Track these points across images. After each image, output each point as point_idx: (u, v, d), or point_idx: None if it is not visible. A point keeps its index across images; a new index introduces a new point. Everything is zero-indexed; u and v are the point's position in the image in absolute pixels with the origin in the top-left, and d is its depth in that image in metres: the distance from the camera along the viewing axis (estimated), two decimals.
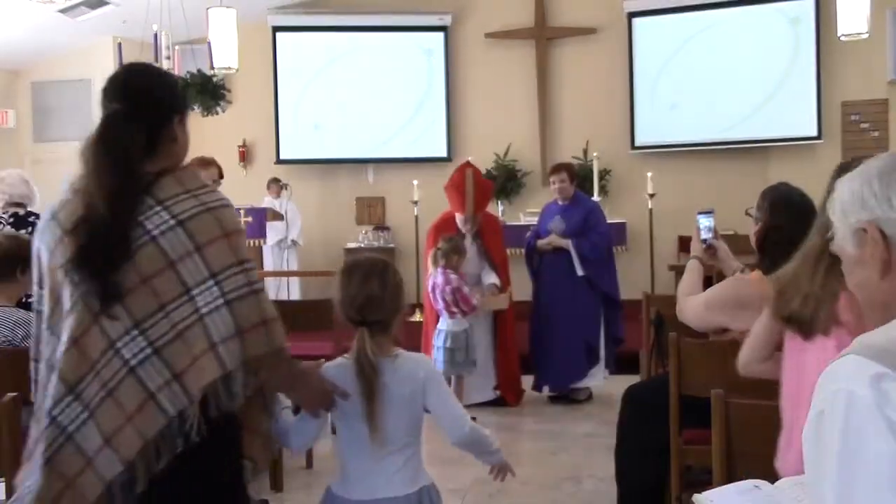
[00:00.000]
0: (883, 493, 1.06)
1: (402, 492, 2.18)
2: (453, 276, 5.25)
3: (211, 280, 1.84)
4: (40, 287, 1.95)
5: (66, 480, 1.79)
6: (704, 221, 3.30)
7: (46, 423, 1.82)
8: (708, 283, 3.24)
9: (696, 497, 1.88)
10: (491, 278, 5.74)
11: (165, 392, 1.81)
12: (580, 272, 5.78)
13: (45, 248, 1.91)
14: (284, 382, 2.05)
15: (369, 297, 2.18)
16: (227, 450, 1.93)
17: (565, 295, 5.82)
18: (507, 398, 5.83)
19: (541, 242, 5.96)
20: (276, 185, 9.40)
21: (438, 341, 5.35)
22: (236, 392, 1.87)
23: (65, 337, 1.83)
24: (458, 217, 5.72)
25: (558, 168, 6.10)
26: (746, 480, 1.74)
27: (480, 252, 5.77)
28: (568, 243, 5.82)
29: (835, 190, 1.33)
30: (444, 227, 5.79)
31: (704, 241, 3.30)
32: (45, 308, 1.93)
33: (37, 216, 5.02)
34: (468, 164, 5.93)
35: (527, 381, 6.02)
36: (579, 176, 9.41)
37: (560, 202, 6.02)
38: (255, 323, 1.87)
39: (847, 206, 1.28)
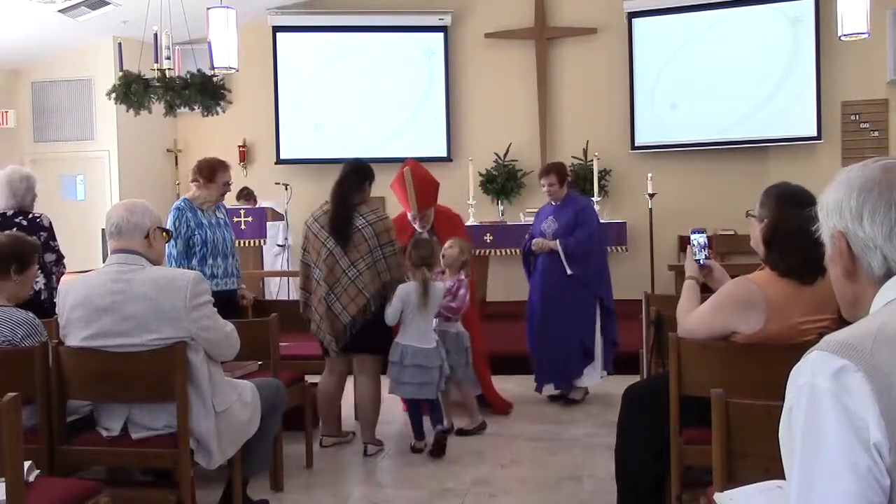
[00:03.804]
0: (841, 476, 1.13)
1: (433, 341, 4.74)
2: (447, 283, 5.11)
3: (379, 248, 4.60)
4: (306, 251, 4.78)
5: (330, 320, 4.61)
6: (698, 240, 3.31)
7: (323, 305, 4.62)
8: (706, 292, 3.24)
9: (718, 496, 1.88)
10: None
11: (365, 289, 4.57)
12: (569, 271, 5.74)
13: (314, 232, 4.68)
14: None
15: (428, 254, 4.78)
16: (383, 312, 4.66)
17: (560, 295, 5.78)
18: (495, 406, 5.64)
19: (534, 245, 5.92)
20: (247, 197, 9.10)
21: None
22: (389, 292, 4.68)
23: (325, 268, 4.60)
24: (409, 214, 5.55)
25: (547, 170, 5.99)
26: (770, 480, 1.75)
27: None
28: (556, 244, 5.78)
29: (830, 183, 1.38)
30: (400, 224, 5.44)
31: (698, 261, 3.31)
32: (311, 260, 4.74)
33: (42, 218, 5.00)
34: (408, 162, 5.64)
35: (528, 381, 6.01)
36: (578, 176, 9.48)
37: (553, 203, 5.99)
38: (398, 265, 4.70)
39: (829, 209, 1.35)
